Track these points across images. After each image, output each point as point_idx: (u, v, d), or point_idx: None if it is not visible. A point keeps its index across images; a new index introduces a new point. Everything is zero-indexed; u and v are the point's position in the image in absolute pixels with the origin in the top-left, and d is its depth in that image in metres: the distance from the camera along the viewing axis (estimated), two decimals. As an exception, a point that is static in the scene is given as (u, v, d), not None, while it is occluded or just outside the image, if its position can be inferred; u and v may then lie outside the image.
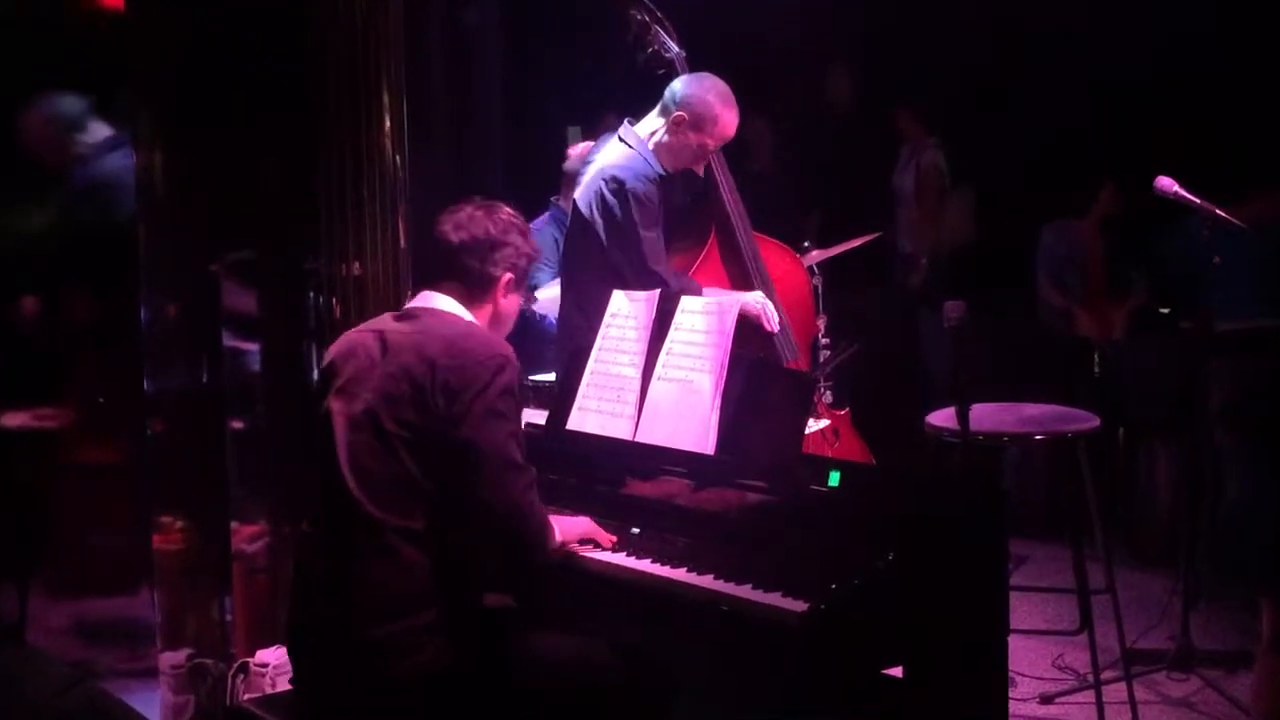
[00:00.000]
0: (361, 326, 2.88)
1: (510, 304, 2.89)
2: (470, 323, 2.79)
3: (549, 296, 4.70)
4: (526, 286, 2.97)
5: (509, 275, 2.85)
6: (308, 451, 4.01)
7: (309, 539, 2.78)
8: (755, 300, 3.89)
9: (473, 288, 2.83)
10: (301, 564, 2.80)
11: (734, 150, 4.10)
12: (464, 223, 2.84)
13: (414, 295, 2.87)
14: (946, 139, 6.73)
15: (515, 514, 2.65)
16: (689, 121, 3.82)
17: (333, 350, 2.85)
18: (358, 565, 2.62)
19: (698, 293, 3.73)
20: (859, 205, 6.80)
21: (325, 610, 2.67)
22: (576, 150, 5.16)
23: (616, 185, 3.78)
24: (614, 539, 2.91)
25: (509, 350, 2.72)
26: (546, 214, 5.22)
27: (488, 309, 2.85)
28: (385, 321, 2.83)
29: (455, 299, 2.81)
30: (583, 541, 2.89)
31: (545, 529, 2.74)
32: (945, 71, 6.84)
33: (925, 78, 6.87)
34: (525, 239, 2.88)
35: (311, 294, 4.11)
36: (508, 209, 2.89)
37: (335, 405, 2.72)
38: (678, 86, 3.86)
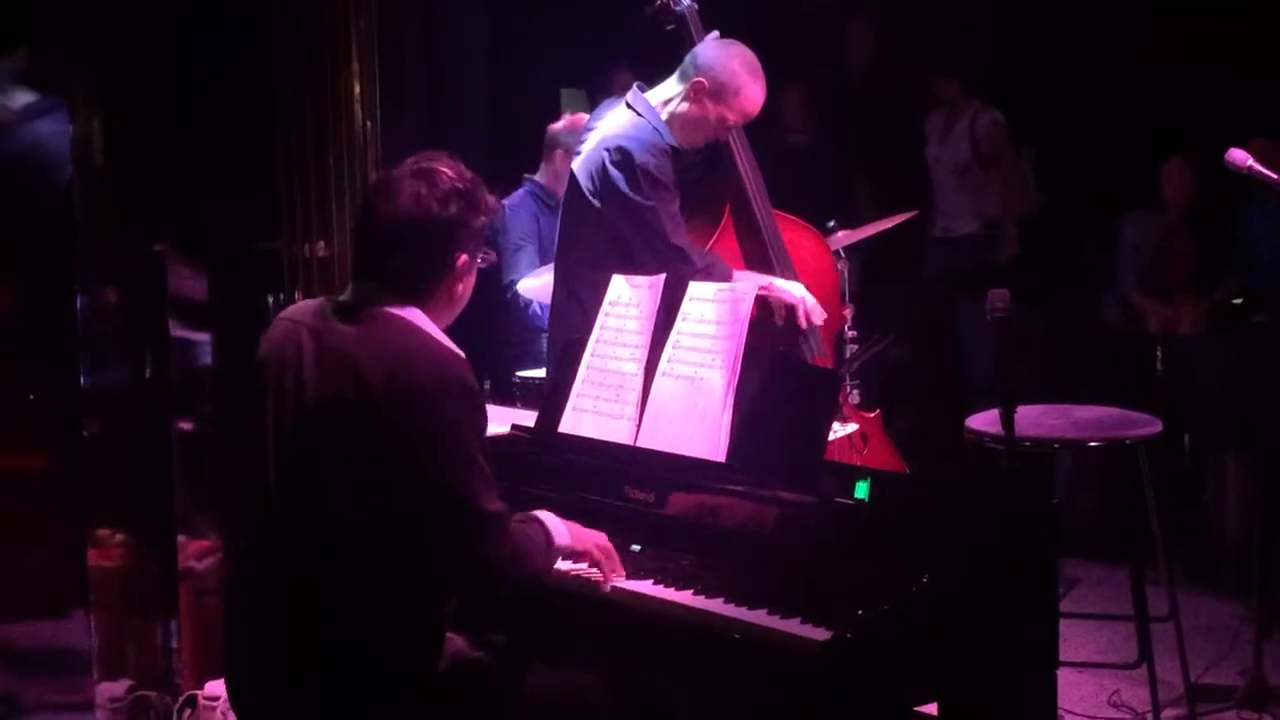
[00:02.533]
0: (297, 312, 2.74)
1: (466, 285, 2.75)
2: (418, 332, 2.61)
3: (538, 282, 4.70)
4: (485, 252, 2.80)
5: (463, 257, 2.70)
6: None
7: (236, 574, 2.72)
8: (794, 292, 3.87)
9: (421, 279, 2.67)
10: (230, 602, 2.75)
11: (767, 124, 4.08)
12: (402, 204, 2.63)
13: (353, 287, 2.70)
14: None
15: (487, 569, 2.59)
16: (709, 89, 3.81)
17: (264, 343, 2.73)
18: (292, 612, 2.57)
19: (727, 274, 3.73)
20: (887, 181, 6.80)
21: (259, 659, 2.63)
22: (565, 120, 5.14)
23: (621, 157, 3.76)
24: (621, 571, 2.85)
25: (462, 367, 2.58)
26: (523, 189, 5.23)
27: (441, 298, 2.70)
28: (321, 315, 2.67)
29: (402, 295, 2.65)
30: (591, 560, 2.83)
31: (518, 569, 2.65)
32: (984, 33, 6.85)
33: (960, 38, 6.89)
34: (473, 205, 2.68)
35: (269, 279, 4.11)
36: (446, 168, 2.68)
37: (267, 417, 2.64)
38: (699, 50, 3.86)
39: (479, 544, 2.56)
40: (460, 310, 2.78)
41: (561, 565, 2.82)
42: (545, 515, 2.79)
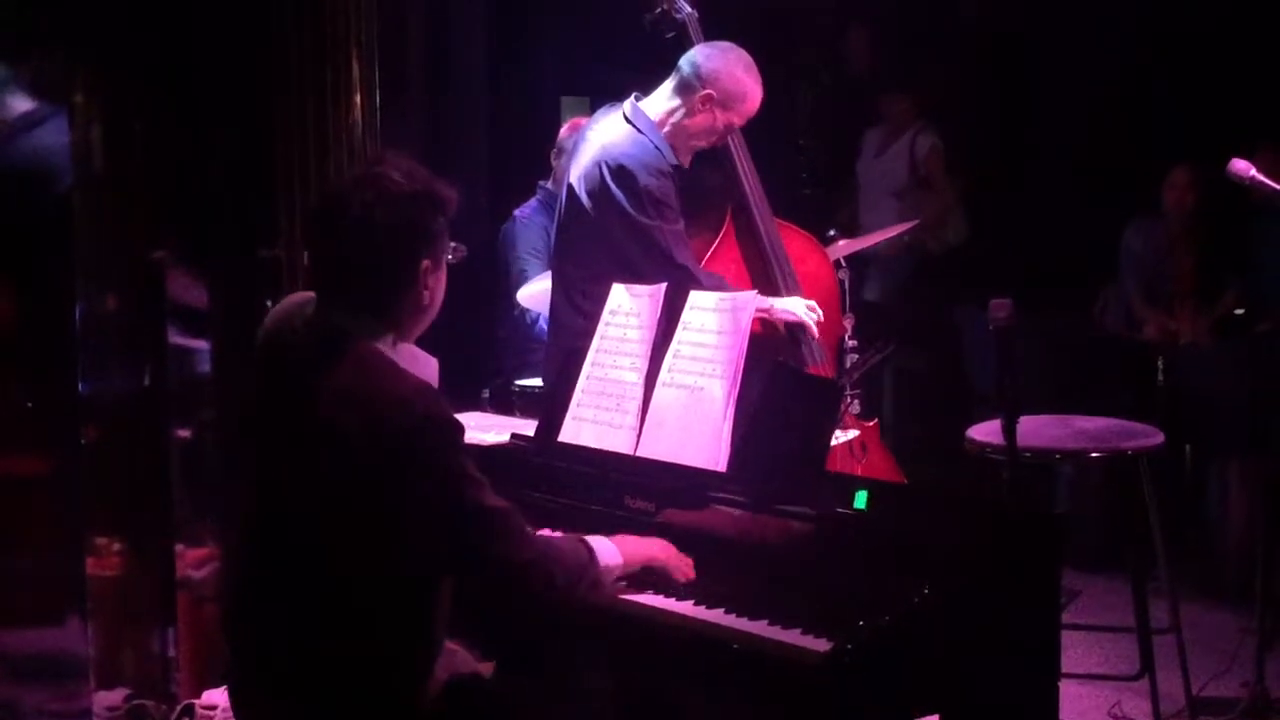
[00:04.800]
0: (281, 312, 2.67)
1: (434, 291, 2.60)
2: (382, 372, 2.48)
3: (538, 290, 4.69)
4: (454, 246, 2.70)
5: (425, 263, 2.54)
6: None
7: (238, 578, 2.67)
8: (795, 310, 3.87)
9: (383, 297, 2.53)
10: (231, 610, 2.70)
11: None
12: (351, 218, 2.47)
13: (316, 312, 2.56)
14: (980, 116, 6.74)
15: (510, 571, 2.53)
16: (718, 99, 3.81)
17: (262, 331, 2.69)
18: (300, 622, 2.53)
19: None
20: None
21: (263, 668, 2.60)
22: (567, 125, 5.16)
23: (623, 176, 3.74)
24: (690, 574, 2.81)
25: (429, 401, 2.46)
26: (534, 200, 5.22)
27: (407, 312, 2.56)
28: (295, 351, 2.58)
29: (367, 317, 2.52)
30: (648, 571, 2.76)
31: (544, 570, 2.57)
32: (985, 38, 6.86)
33: (960, 43, 6.90)
34: (429, 206, 2.52)
35: (269, 286, 4.11)
36: (394, 171, 2.51)
37: (280, 417, 2.59)
38: (699, 60, 3.84)
39: (495, 548, 2.51)
40: (433, 316, 2.64)
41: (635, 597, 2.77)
42: (594, 538, 2.72)
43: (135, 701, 3.99)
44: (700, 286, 3.62)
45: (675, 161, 3.84)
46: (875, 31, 7.09)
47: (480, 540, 2.51)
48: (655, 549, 2.80)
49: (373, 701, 2.53)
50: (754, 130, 4.05)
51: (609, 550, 2.71)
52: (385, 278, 2.52)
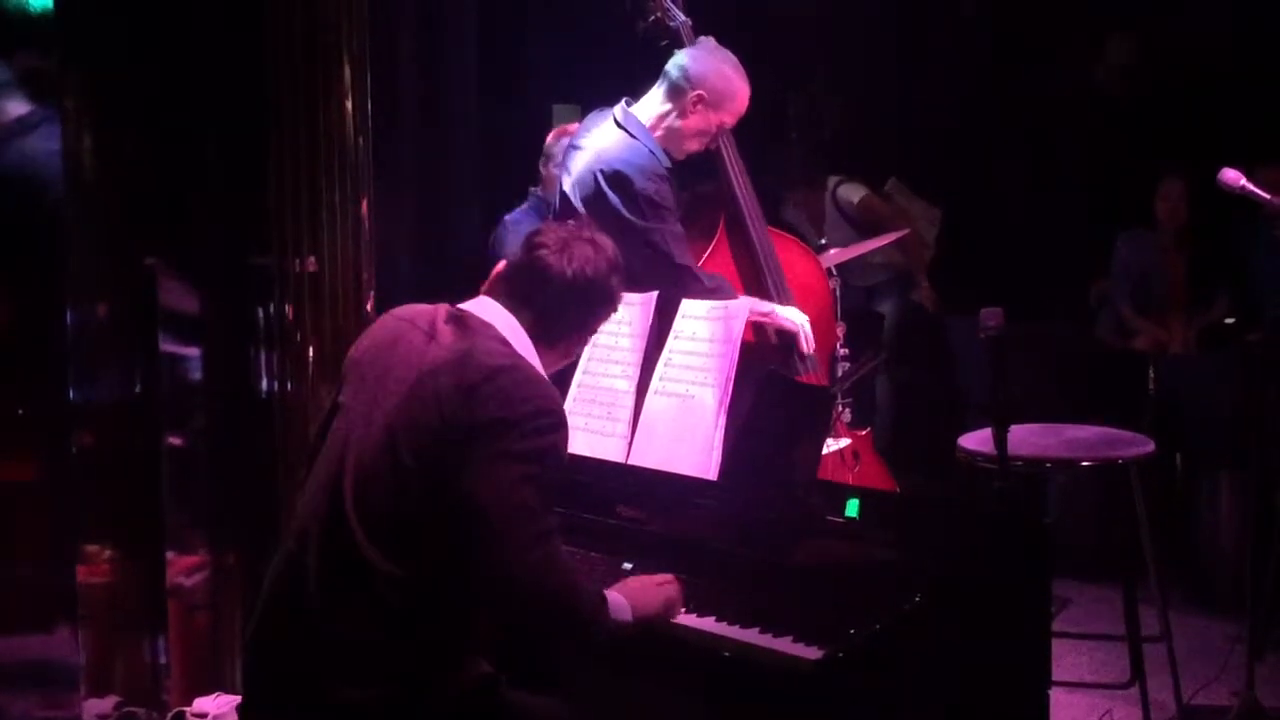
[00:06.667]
0: (407, 312, 2.73)
1: (580, 354, 2.84)
2: (519, 357, 2.63)
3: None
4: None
5: (600, 324, 2.80)
6: (254, 472, 4.06)
7: (283, 567, 2.67)
8: (795, 319, 3.88)
9: (554, 330, 2.72)
10: (269, 595, 2.69)
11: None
12: (577, 258, 2.70)
13: (475, 299, 2.71)
14: (967, 117, 6.75)
15: (520, 592, 2.50)
16: (709, 100, 3.81)
17: (370, 335, 2.74)
18: (339, 612, 2.53)
19: (732, 297, 3.71)
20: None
21: (290, 657, 2.59)
22: (553, 132, 5.17)
23: (619, 182, 3.73)
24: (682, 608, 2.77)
25: (554, 400, 2.58)
26: (526, 204, 5.23)
27: (560, 350, 2.76)
28: (438, 317, 2.67)
29: (524, 326, 2.68)
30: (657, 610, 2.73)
31: (574, 593, 2.56)
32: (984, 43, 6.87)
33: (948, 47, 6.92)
34: (622, 283, 2.79)
35: (261, 293, 4.11)
36: (613, 246, 2.78)
37: (353, 407, 2.62)
38: (686, 63, 3.84)
39: (511, 563, 2.48)
40: (556, 370, 2.79)
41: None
42: (611, 591, 2.68)
43: (126, 709, 3.98)
44: (702, 286, 3.63)
45: (669, 164, 3.84)
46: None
47: (498, 531, 2.48)
48: (661, 606, 2.73)
49: (385, 704, 2.53)
50: (747, 137, 4.05)
51: (620, 606, 2.65)
52: (569, 319, 2.74)
